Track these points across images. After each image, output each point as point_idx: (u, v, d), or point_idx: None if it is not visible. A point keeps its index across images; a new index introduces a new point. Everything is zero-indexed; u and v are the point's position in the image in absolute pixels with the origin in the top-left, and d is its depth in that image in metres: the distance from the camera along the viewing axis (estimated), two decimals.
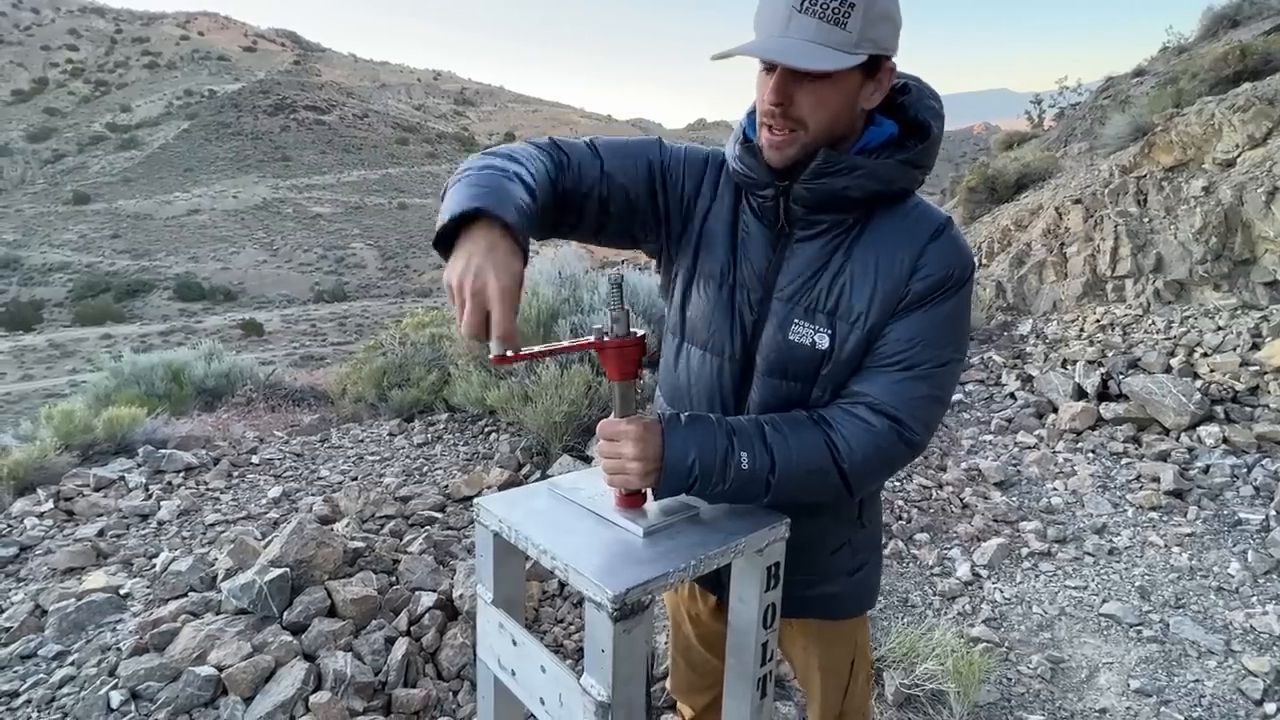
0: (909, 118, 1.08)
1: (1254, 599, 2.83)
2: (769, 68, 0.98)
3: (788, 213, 1.09)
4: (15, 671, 2.37)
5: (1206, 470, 3.68)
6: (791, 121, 0.99)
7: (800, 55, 0.93)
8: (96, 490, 4.01)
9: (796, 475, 1.02)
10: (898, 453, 1.05)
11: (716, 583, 1.31)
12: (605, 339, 1.01)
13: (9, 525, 3.58)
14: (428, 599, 2.59)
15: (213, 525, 3.57)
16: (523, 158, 1.04)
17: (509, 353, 0.85)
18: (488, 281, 0.84)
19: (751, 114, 1.09)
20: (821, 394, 1.11)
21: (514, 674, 1.10)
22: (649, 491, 1.05)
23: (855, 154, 1.04)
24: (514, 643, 1.09)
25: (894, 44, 0.99)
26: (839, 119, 1.02)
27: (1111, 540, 3.30)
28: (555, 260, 5.64)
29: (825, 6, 0.92)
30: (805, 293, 1.09)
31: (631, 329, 1.02)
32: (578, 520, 1.08)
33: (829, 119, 1.00)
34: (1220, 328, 4.64)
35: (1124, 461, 3.91)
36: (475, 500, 1.16)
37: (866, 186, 1.03)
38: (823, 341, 1.08)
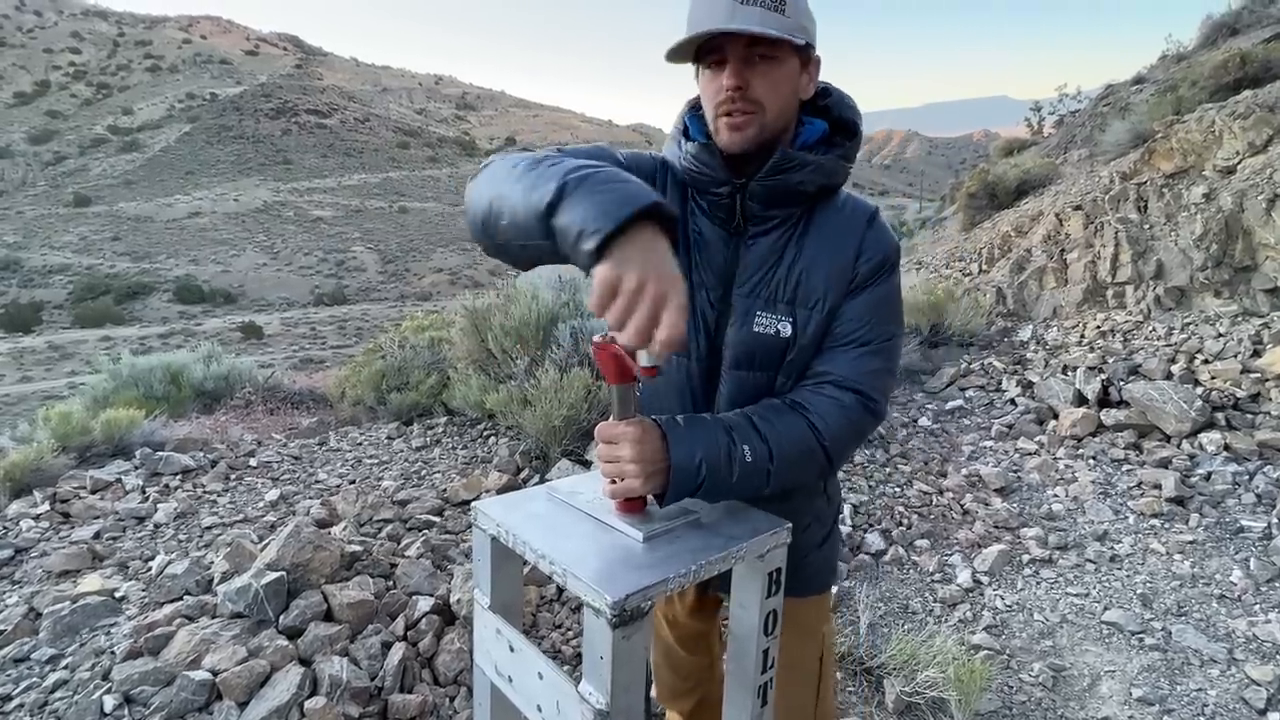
0: (834, 117, 1.18)
1: (1256, 607, 2.81)
2: (718, 62, 1.06)
3: (744, 210, 1.14)
4: (8, 675, 2.35)
5: (1208, 477, 3.67)
6: (750, 104, 1.06)
7: (759, 25, 1.00)
8: (93, 492, 3.99)
9: (791, 460, 1.07)
10: (866, 422, 1.13)
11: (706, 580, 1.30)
12: (606, 341, 0.99)
13: (4, 527, 3.56)
14: (425, 604, 2.57)
15: (209, 528, 3.55)
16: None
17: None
18: (670, 291, 0.79)
19: (691, 114, 1.18)
20: (786, 380, 1.17)
21: (511, 680, 1.08)
22: (649, 495, 1.03)
23: (799, 149, 1.13)
24: (511, 648, 1.07)
25: (816, 40, 1.11)
26: (789, 103, 1.10)
27: (1113, 547, 3.29)
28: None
29: None
30: (765, 285, 1.15)
31: None
32: (577, 524, 1.07)
33: (781, 101, 1.09)
34: (1221, 334, 4.63)
35: (1125, 468, 3.89)
36: (473, 504, 1.15)
37: (816, 180, 1.12)
38: (785, 329, 1.14)
